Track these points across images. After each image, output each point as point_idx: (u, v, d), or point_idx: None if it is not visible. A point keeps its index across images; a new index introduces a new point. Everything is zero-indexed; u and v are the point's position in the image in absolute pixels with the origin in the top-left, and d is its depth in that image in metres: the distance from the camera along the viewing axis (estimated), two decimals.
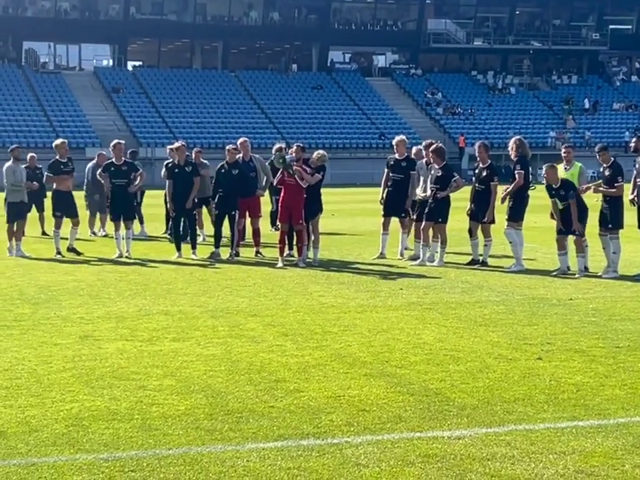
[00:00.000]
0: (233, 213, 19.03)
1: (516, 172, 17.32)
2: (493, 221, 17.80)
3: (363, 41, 79.73)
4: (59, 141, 21.01)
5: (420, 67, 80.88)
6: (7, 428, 7.52)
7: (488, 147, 18.15)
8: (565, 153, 17.59)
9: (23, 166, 22.26)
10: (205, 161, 22.20)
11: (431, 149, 18.14)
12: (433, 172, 17.92)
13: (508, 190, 17.31)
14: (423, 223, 17.95)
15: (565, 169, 17.22)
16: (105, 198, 24.05)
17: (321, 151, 18.98)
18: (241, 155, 19.85)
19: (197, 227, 21.01)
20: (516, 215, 17.34)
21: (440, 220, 17.80)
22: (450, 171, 18.05)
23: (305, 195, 17.84)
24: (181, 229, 19.81)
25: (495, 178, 17.64)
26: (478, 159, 18.05)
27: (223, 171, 19.02)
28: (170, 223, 24.13)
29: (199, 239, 20.90)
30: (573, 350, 10.34)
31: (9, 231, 20.20)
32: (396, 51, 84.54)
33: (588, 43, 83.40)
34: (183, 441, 7.20)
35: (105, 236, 24.53)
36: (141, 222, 24.37)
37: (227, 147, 19.58)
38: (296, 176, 17.58)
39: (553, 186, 16.32)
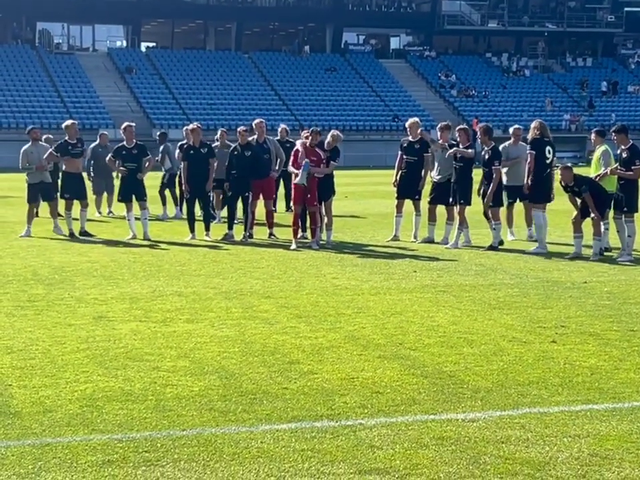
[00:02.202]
0: (247, 194, 19.02)
1: (527, 152, 17.38)
2: (498, 204, 17.75)
3: (377, 23, 79.48)
4: (68, 122, 20.92)
5: (434, 48, 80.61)
6: (22, 408, 7.53)
7: (488, 130, 18.02)
8: (591, 137, 17.55)
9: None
10: (230, 143, 22.14)
11: (458, 128, 18.32)
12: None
13: (526, 175, 17.33)
14: (458, 205, 17.92)
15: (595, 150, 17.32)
16: (111, 179, 24.09)
17: (334, 132, 18.92)
18: (255, 136, 19.84)
19: (215, 208, 21.03)
20: (535, 197, 17.32)
21: (462, 201, 17.83)
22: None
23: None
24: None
25: (496, 162, 17.58)
26: (479, 142, 18.13)
27: (235, 152, 19.00)
28: (184, 204, 24.23)
29: (214, 220, 20.88)
30: (587, 333, 10.31)
31: (29, 212, 20.20)
32: (410, 33, 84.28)
33: (603, 25, 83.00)
34: (196, 421, 7.20)
35: (109, 213, 24.67)
36: (164, 203, 24.45)
37: (238, 129, 19.55)
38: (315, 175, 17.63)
39: (568, 184, 16.37)
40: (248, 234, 19.12)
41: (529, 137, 17.61)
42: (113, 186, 24.03)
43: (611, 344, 9.79)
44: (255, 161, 18.95)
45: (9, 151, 60.15)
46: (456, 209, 18.08)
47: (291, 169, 18.08)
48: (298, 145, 18.15)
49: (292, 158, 18.07)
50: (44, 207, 24.48)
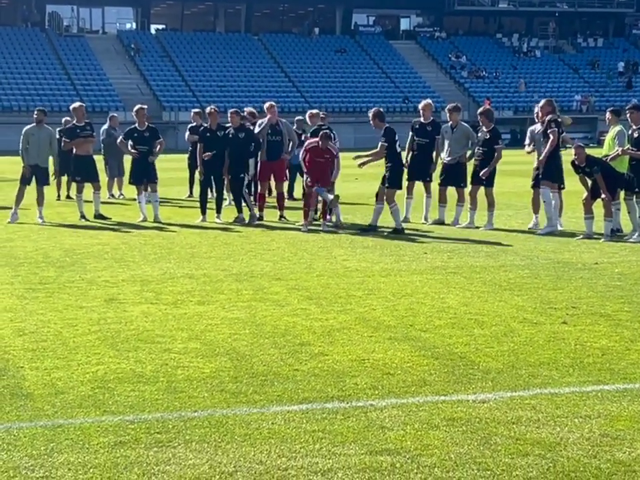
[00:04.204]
0: (242, 175, 19.02)
1: (549, 131, 17.15)
2: (490, 184, 17.80)
3: (387, 4, 79.22)
4: (76, 104, 20.79)
5: (444, 29, 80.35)
6: (34, 390, 7.56)
7: (487, 113, 18.14)
8: (607, 117, 17.43)
9: (58, 129, 22.22)
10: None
11: (479, 112, 18.32)
12: (480, 134, 18.04)
13: (545, 152, 17.08)
14: (471, 186, 18.03)
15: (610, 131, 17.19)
16: (121, 161, 24.03)
17: (313, 111, 19.28)
18: (266, 118, 19.77)
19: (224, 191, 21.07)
20: (548, 175, 17.21)
21: (485, 184, 17.89)
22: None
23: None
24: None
25: (500, 141, 17.75)
26: (481, 124, 18.12)
27: (230, 136, 18.98)
28: (194, 186, 24.23)
29: (225, 203, 20.88)
30: (598, 314, 10.29)
31: (18, 194, 19.55)
32: (420, 14, 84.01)
33: (614, 5, 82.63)
34: (208, 403, 7.22)
35: (119, 196, 24.66)
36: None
37: (229, 112, 19.58)
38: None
39: (580, 164, 16.31)
40: (258, 216, 19.16)
41: (542, 114, 17.40)
42: (124, 168, 24.06)
43: (622, 325, 9.78)
44: (249, 142, 18.92)
45: (19, 134, 60.47)
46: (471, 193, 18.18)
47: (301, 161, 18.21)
48: (308, 142, 18.19)
49: (303, 153, 18.05)
50: (63, 190, 24.55)
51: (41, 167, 19.67)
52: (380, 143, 17.42)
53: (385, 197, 17.54)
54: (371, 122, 17.82)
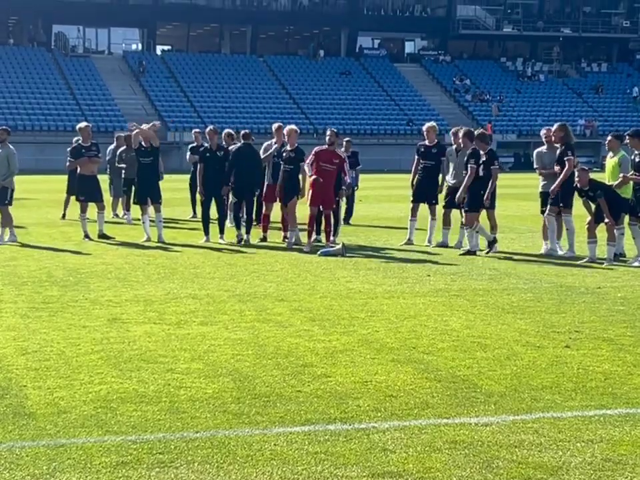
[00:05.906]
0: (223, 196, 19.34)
1: (566, 159, 17.03)
2: (492, 207, 17.75)
3: (392, 27, 79.61)
4: (82, 124, 20.86)
5: (449, 53, 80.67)
6: (36, 409, 7.56)
7: (482, 137, 18.06)
8: (607, 141, 17.37)
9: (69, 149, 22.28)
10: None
11: (475, 136, 18.25)
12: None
13: (559, 180, 17.00)
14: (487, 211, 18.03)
15: (610, 156, 17.07)
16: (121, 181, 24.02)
17: (289, 127, 19.17)
18: (274, 140, 19.75)
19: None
20: (569, 204, 17.20)
21: (487, 207, 17.88)
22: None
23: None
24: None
25: (495, 162, 17.66)
26: (478, 149, 18.01)
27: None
28: (197, 207, 24.23)
29: (228, 224, 20.89)
30: (601, 338, 10.29)
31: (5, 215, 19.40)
32: (425, 37, 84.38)
33: (618, 30, 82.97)
34: (210, 424, 7.22)
35: (124, 215, 24.48)
36: (128, 208, 24.03)
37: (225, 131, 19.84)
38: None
39: (583, 188, 16.31)
40: (262, 237, 19.25)
41: (555, 140, 17.31)
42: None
43: (624, 349, 9.77)
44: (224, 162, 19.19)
45: (25, 153, 60.25)
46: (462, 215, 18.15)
47: (306, 167, 18.14)
48: (318, 147, 18.25)
49: (312, 157, 18.01)
50: (71, 210, 24.58)
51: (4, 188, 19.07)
52: (470, 166, 17.30)
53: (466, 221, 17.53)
54: (477, 146, 17.62)
